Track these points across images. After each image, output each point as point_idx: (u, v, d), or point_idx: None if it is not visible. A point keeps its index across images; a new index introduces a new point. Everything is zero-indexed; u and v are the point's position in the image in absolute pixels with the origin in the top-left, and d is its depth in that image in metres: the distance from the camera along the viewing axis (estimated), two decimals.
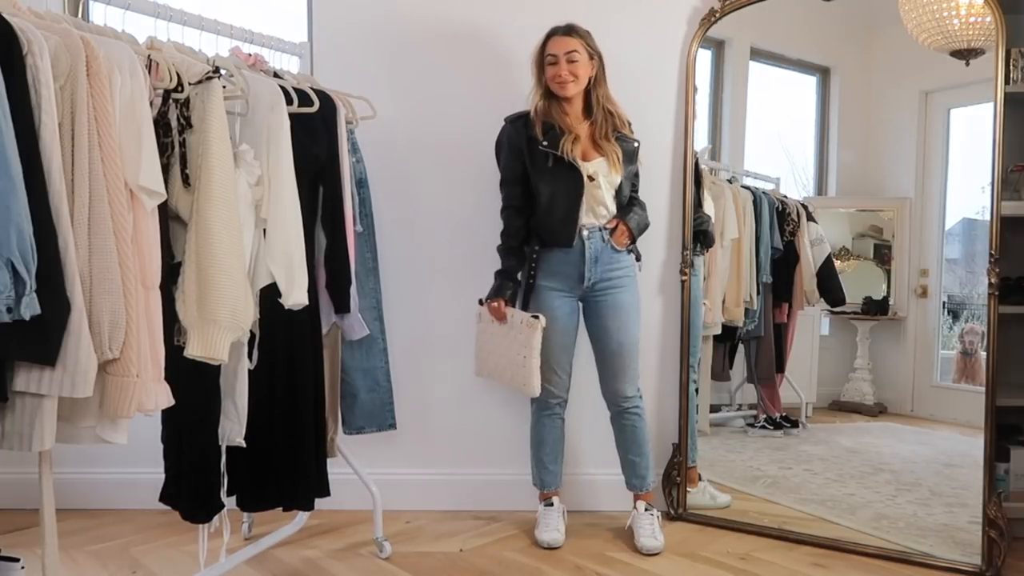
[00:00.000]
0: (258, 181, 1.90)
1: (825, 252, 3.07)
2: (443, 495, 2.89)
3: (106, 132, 1.51)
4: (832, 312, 3.17)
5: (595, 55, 2.49)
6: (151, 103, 1.66)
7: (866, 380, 3.14)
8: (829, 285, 3.08)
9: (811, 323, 3.19)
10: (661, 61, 2.85)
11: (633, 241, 2.56)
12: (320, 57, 2.81)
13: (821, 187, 3.21)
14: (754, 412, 3.23)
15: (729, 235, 2.99)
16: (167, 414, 1.88)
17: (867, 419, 3.11)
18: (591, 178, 2.47)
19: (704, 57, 2.96)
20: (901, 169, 3.06)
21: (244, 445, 1.97)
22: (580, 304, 2.58)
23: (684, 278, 2.81)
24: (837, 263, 3.10)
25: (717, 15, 2.79)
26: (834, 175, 3.19)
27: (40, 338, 1.39)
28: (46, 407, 1.45)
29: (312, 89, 2.19)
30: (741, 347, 3.17)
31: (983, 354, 2.46)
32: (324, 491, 2.24)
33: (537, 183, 2.49)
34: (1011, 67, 2.44)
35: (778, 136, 3.21)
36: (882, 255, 3.12)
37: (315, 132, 2.16)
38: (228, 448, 2.00)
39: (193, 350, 1.71)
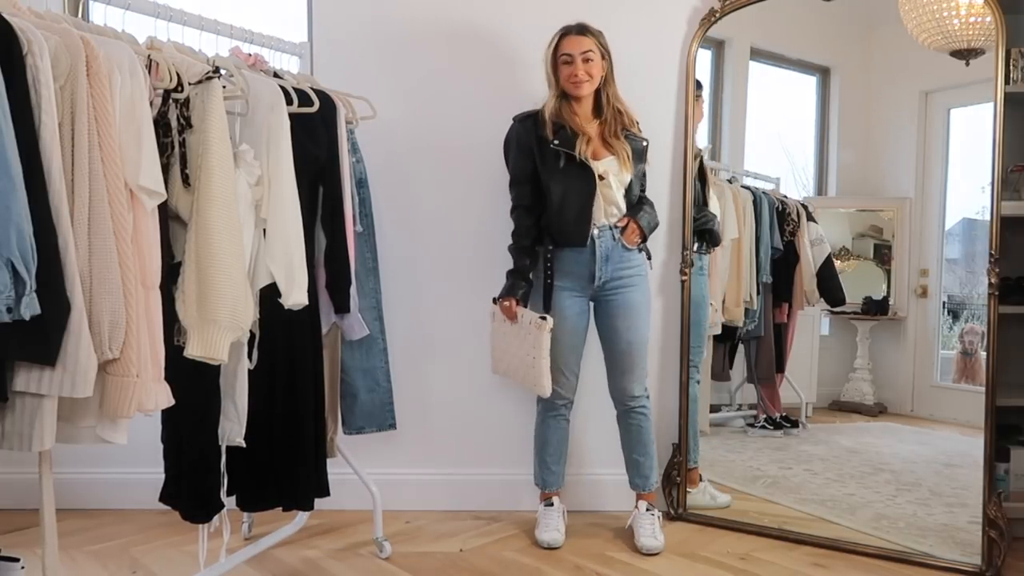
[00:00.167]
0: (258, 181, 1.90)
1: (825, 252, 3.07)
2: (443, 495, 2.89)
3: (106, 132, 1.51)
4: (832, 312, 3.17)
5: (606, 54, 2.49)
6: (151, 103, 1.66)
7: (866, 380, 3.13)
8: (829, 285, 3.08)
9: (811, 323, 3.19)
10: (661, 61, 2.84)
11: (644, 240, 2.55)
12: (320, 57, 2.81)
13: (821, 187, 3.21)
14: (754, 412, 3.22)
15: (729, 235, 2.98)
16: (167, 414, 1.89)
17: (867, 419, 3.11)
18: (602, 177, 2.47)
19: (704, 57, 2.95)
20: (901, 169, 3.06)
21: (244, 445, 1.97)
22: (591, 304, 2.58)
23: (684, 278, 2.81)
24: (837, 263, 3.10)
25: (717, 15, 2.79)
26: (834, 175, 3.18)
27: (40, 338, 1.39)
28: (46, 407, 1.45)
29: (312, 89, 2.19)
30: (741, 347, 3.17)
31: (983, 354, 2.46)
32: (324, 491, 2.24)
33: (548, 182, 2.47)
34: (1011, 67, 2.44)
35: (778, 136, 3.21)
36: (882, 255, 3.11)
37: (315, 132, 2.16)
38: (228, 448, 2.01)
39: (193, 350, 1.71)
